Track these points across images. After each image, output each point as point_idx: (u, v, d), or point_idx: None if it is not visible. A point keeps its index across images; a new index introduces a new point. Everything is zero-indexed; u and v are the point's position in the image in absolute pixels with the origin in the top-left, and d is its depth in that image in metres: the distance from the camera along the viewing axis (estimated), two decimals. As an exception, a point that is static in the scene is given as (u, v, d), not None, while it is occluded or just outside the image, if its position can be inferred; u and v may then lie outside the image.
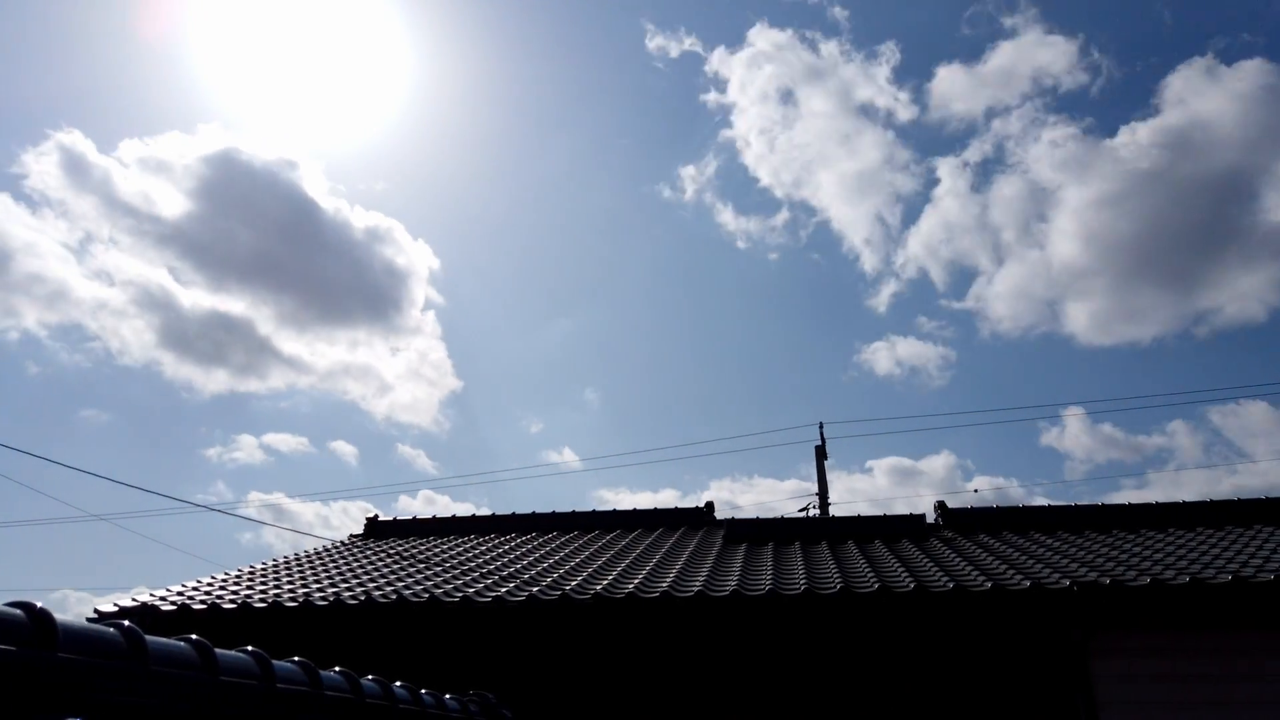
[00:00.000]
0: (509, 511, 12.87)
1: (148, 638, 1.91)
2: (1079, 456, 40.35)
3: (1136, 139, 36.27)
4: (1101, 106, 39.83)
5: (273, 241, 37.41)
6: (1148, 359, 38.41)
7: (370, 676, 3.18)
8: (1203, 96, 36.07)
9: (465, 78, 44.39)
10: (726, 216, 43.01)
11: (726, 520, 11.55)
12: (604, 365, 46.26)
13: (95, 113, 42.31)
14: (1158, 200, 36.13)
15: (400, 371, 43.92)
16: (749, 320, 45.19)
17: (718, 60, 43.02)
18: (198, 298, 39.99)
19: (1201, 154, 35.69)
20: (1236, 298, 37.21)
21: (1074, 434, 40.00)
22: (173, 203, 36.96)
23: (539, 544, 10.92)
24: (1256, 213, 35.42)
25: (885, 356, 41.29)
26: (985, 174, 41.36)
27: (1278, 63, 36.09)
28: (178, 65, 43.56)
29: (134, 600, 7.93)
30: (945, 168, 41.34)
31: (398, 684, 3.38)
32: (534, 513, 12.71)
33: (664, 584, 7.71)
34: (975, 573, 7.71)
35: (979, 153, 40.99)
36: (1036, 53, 38.03)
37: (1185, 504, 10.99)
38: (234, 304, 39.72)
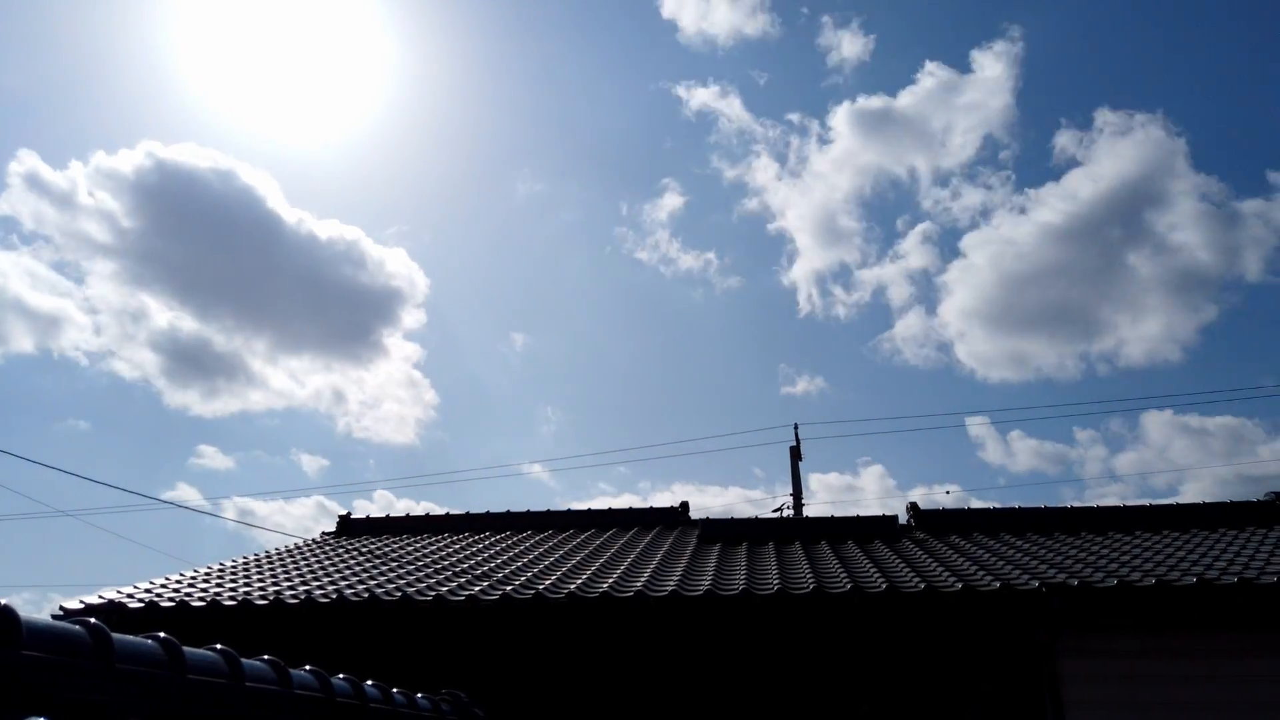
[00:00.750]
0: (483, 511, 12.84)
1: (114, 635, 1.88)
2: (996, 468, 42.15)
3: (1040, 194, 39.46)
4: (1011, 164, 42.62)
5: (232, 257, 36.89)
6: (1053, 389, 40.68)
7: (341, 675, 3.16)
8: (1097, 151, 38.97)
9: (432, 90, 44.45)
10: (674, 249, 45.15)
11: (701, 520, 11.58)
12: (563, 382, 47.58)
13: (45, 129, 41.77)
14: (1064, 250, 38.92)
15: (371, 386, 44.00)
16: (700, 342, 47.62)
17: (676, 106, 45.23)
18: (170, 318, 39.65)
19: (1100, 205, 38.05)
20: (1138, 339, 40.09)
21: (992, 451, 41.93)
22: (135, 222, 36.31)
23: (513, 543, 10.89)
24: (1155, 259, 38.07)
25: (807, 385, 43.70)
26: (901, 222, 44.14)
27: (1141, 112, 38.72)
28: (130, 78, 43.04)
29: (100, 597, 7.82)
30: (872, 213, 43.91)
31: (369, 683, 3.36)
32: (508, 511, 12.66)
33: (638, 583, 7.71)
34: (946, 573, 7.78)
35: (899, 201, 43.36)
36: (950, 111, 40.44)
37: (1151, 507, 11.16)
38: (202, 320, 39.59)
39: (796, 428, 20.05)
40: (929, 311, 42.35)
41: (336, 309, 39.65)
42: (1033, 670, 7.06)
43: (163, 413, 43.70)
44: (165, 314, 39.62)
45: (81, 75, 41.52)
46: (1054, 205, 38.43)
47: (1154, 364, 39.99)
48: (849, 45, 42.31)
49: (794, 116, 44.94)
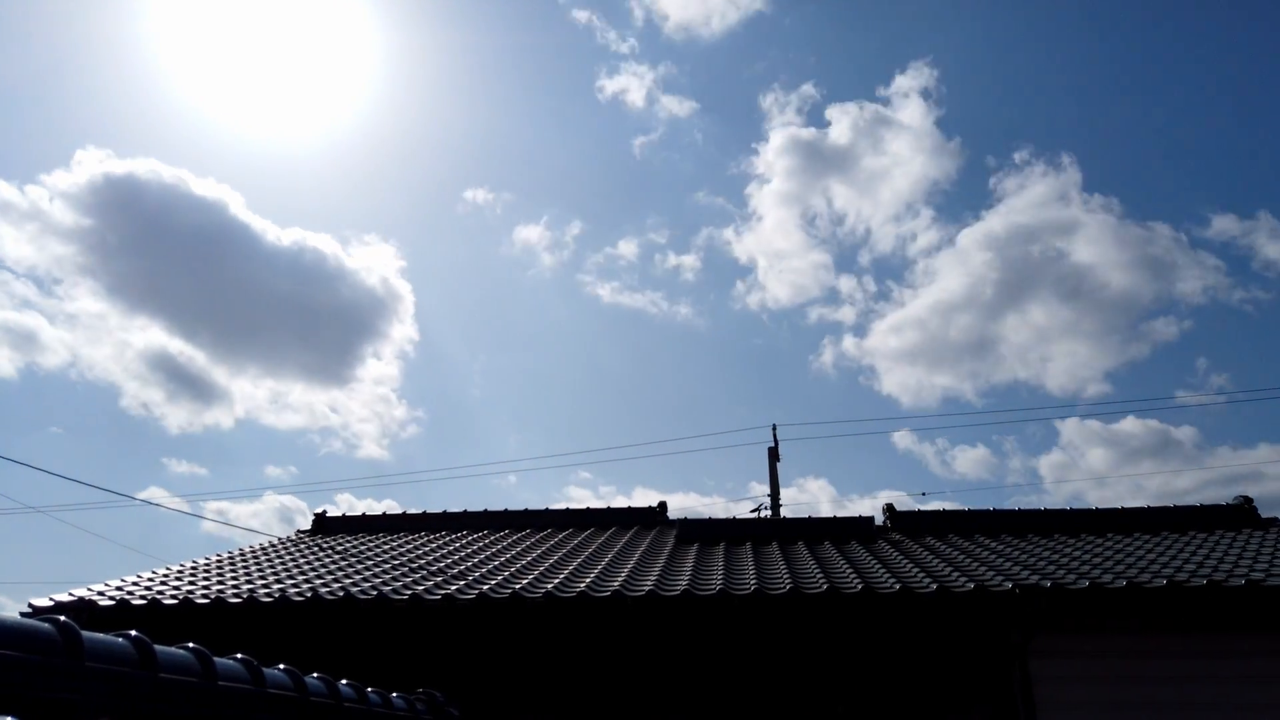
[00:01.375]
0: (460, 510, 12.78)
1: (84, 633, 1.86)
2: (936, 476, 43.57)
3: (976, 231, 41.18)
4: (939, 201, 44.54)
5: (197, 269, 36.18)
6: (986, 403, 42.15)
7: (316, 674, 3.14)
8: (1024, 191, 40.98)
9: (404, 101, 44.46)
10: (634, 275, 47.07)
11: (679, 520, 11.60)
12: (532, 394, 48.37)
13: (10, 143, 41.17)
14: (989, 282, 40.83)
15: (340, 397, 44.01)
16: (661, 359, 49.08)
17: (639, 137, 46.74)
18: (142, 332, 39.38)
19: (1033, 243, 39.77)
20: (1065, 360, 42.24)
21: (933, 462, 43.57)
22: (93, 236, 35.53)
23: (490, 543, 10.86)
24: (1075, 286, 39.70)
25: (756, 400, 45.98)
26: (841, 256, 46.04)
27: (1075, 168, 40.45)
28: (83, 88, 42.46)
29: (71, 595, 7.72)
30: (817, 245, 45.44)
31: (343, 682, 3.34)
32: (485, 510, 12.62)
33: (616, 583, 7.71)
34: (921, 575, 7.84)
35: (838, 235, 45.15)
36: (877, 155, 42.34)
37: (1123, 510, 11.30)
38: (172, 333, 39.38)
39: (775, 429, 20.04)
40: (861, 338, 44.95)
41: (302, 319, 39.35)
42: (1006, 671, 7.13)
43: (132, 422, 43.39)
44: (134, 328, 39.29)
45: (22, 83, 40.81)
46: (980, 239, 40.75)
47: (1080, 381, 42.04)
48: (785, 109, 44.49)
49: (738, 164, 47.59)
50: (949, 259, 42.09)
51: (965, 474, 42.19)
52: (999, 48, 43.11)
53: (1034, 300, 41.00)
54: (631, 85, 44.61)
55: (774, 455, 19.75)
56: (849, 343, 44.51)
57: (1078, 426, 43.77)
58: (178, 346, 39.65)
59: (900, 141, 42.42)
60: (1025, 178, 41.44)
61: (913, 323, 41.93)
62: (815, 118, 44.20)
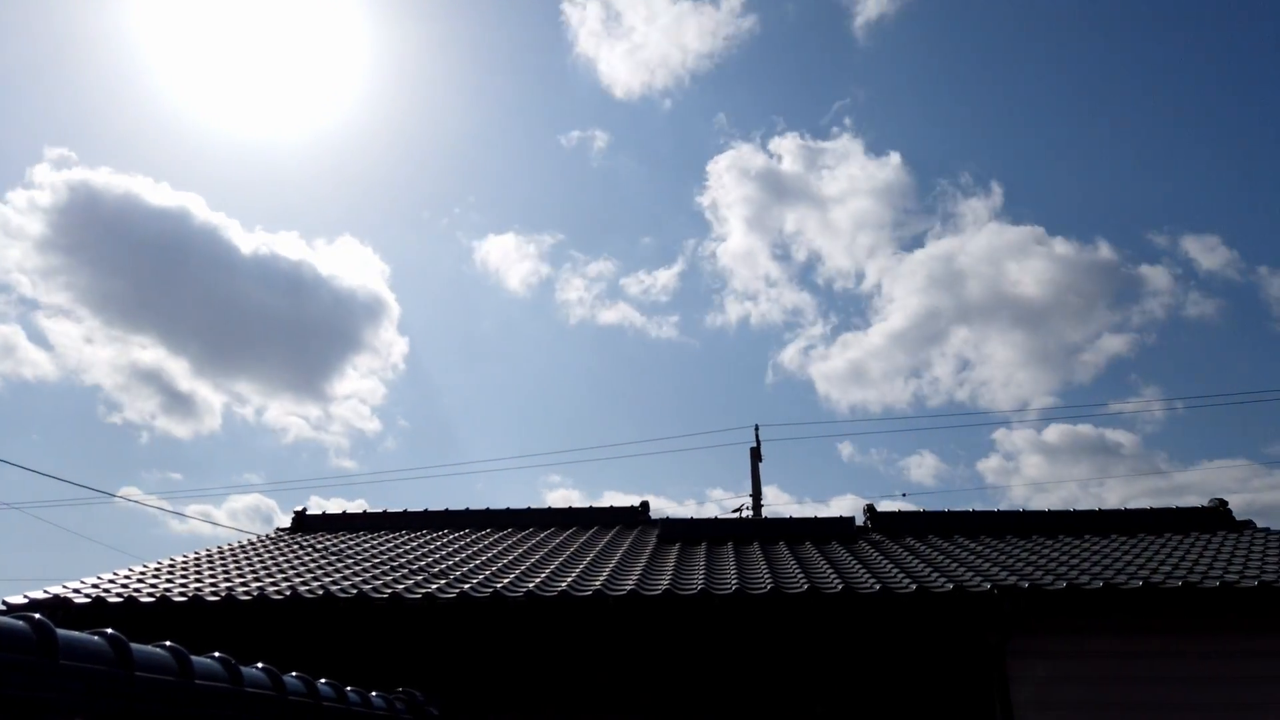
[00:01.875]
0: (441, 508, 12.73)
1: (59, 631, 1.84)
2: (890, 480, 44.52)
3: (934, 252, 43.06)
4: (893, 229, 45.75)
5: (163, 275, 35.80)
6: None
7: (294, 673, 3.12)
8: (963, 217, 43.15)
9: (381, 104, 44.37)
10: (610, 291, 47.62)
11: (661, 520, 11.60)
12: (505, 402, 48.77)
13: None
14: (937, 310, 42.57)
15: (324, 404, 43.97)
16: (628, 370, 50.20)
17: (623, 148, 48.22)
18: (114, 342, 39.18)
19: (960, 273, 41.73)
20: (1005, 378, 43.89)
21: (888, 468, 44.40)
22: (60, 245, 35.25)
23: (471, 541, 10.83)
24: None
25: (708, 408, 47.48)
26: (797, 280, 47.44)
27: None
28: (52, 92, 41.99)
29: (45, 592, 7.63)
30: (775, 267, 46.50)
31: (322, 681, 3.32)
32: (467, 509, 12.57)
33: (597, 582, 7.71)
34: (901, 575, 7.88)
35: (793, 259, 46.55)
36: (855, 185, 43.87)
37: (1100, 512, 11.41)
38: (148, 341, 39.24)
39: (757, 429, 20.13)
40: (810, 358, 46.35)
41: (277, 326, 39.15)
42: (983, 670, 7.18)
43: (108, 431, 43.12)
44: (108, 339, 39.03)
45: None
46: (925, 261, 42.46)
47: (1024, 399, 43.75)
48: (739, 143, 46.35)
49: (696, 195, 48.88)
50: (895, 282, 44.07)
51: (921, 481, 43.29)
52: (930, 81, 45.03)
53: (980, 320, 42.92)
54: (596, 135, 46.11)
55: (756, 455, 19.82)
56: (799, 360, 46.18)
57: (1022, 438, 45.56)
58: (155, 356, 39.46)
59: (845, 175, 44.52)
60: (963, 204, 43.52)
61: (863, 342, 44.18)
62: (767, 153, 46.01)
